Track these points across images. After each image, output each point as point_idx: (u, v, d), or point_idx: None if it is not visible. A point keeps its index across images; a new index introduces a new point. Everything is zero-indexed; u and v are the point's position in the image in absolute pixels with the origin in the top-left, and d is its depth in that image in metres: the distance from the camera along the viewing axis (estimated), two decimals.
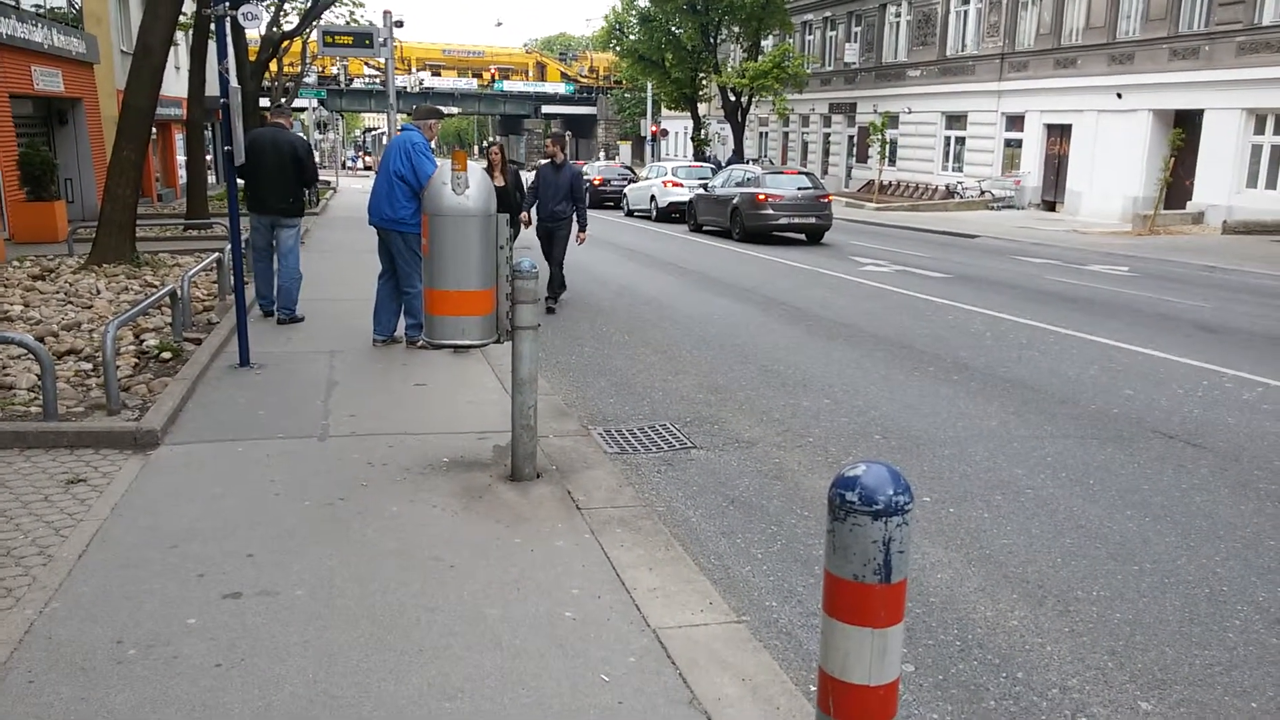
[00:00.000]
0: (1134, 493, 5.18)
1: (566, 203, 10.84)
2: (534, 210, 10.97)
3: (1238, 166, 22.80)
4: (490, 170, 10.28)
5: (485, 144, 59.36)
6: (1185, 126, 23.12)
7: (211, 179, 25.30)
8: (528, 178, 12.11)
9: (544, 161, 11.29)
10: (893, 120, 34.27)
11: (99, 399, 6.18)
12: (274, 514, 4.50)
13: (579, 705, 3.01)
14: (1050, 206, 28.57)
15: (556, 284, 11.05)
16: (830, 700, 1.97)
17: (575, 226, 11.03)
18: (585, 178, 35.26)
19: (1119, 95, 25.61)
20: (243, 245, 8.46)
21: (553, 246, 11.07)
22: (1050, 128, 28.65)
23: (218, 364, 7.39)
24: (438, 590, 3.76)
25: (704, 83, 42.04)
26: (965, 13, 32.33)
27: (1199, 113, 23.49)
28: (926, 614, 3.83)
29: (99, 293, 10.33)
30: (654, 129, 50.99)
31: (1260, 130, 22.47)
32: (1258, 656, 3.53)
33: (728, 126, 40.64)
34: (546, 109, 79.97)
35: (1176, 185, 23.63)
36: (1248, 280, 14.73)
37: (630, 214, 28.25)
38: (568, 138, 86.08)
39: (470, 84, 76.86)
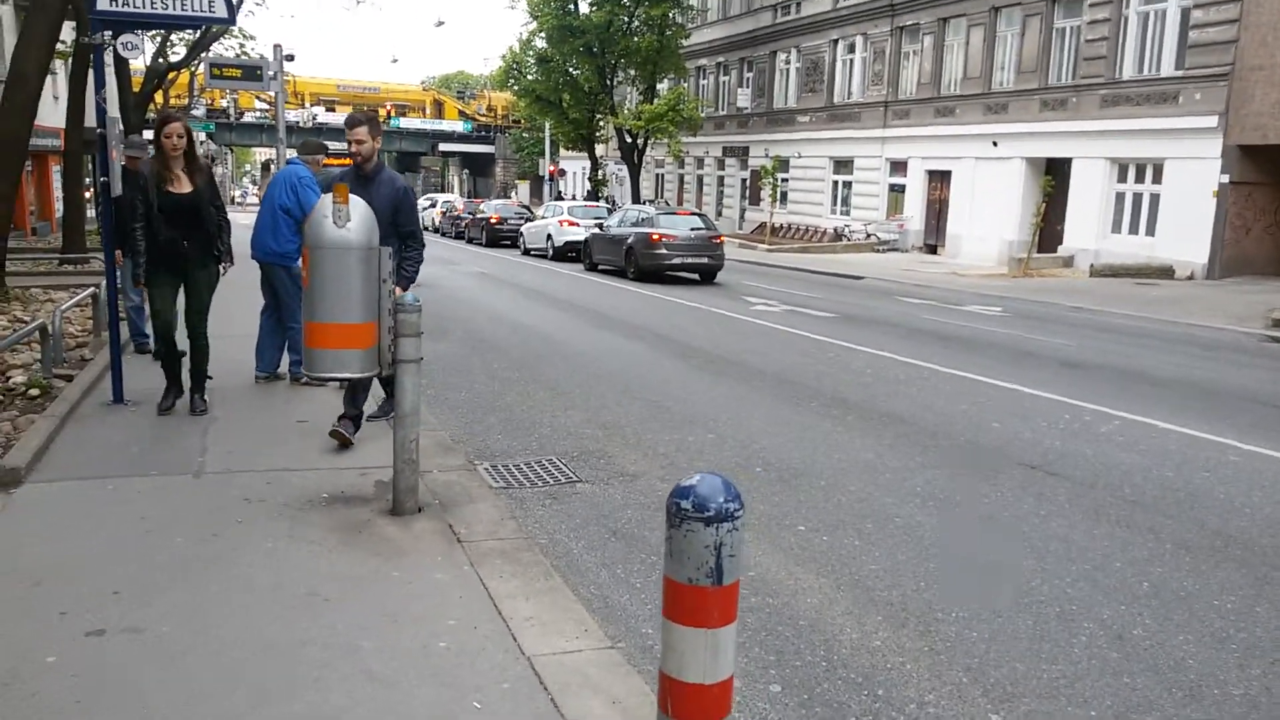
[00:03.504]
0: (996, 520, 5.45)
1: (390, 240, 5.77)
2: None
3: (1103, 212, 24.16)
4: (166, 168, 6.69)
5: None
6: (1055, 174, 24.44)
7: (90, 212, 24.43)
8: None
9: (335, 167, 7.15)
10: (784, 164, 35.24)
11: None
12: (143, 551, 4.39)
13: None
14: (932, 249, 29.73)
15: (377, 387, 6.61)
16: (669, 700, 2.06)
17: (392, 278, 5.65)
18: (481, 215, 35.22)
19: (995, 143, 26.91)
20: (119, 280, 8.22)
21: None
22: (931, 173, 29.88)
23: (90, 400, 7.16)
24: (311, 624, 3.73)
25: (601, 124, 42.58)
26: (851, 61, 33.60)
27: (1068, 161, 24.86)
28: (795, 636, 3.97)
29: None
30: (552, 169, 51.34)
31: (1123, 178, 23.89)
32: (1099, 669, 3.76)
33: (625, 167, 41.18)
34: (444, 147, 79.60)
35: (1048, 230, 24.91)
36: (1111, 321, 15.60)
37: (527, 253, 28.31)
38: (464, 176, 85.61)
39: None
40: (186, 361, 6.96)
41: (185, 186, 6.71)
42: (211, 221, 6.83)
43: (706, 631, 2.06)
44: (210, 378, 7.10)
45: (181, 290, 6.87)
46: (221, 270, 7.04)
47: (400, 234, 6.11)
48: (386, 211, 5.84)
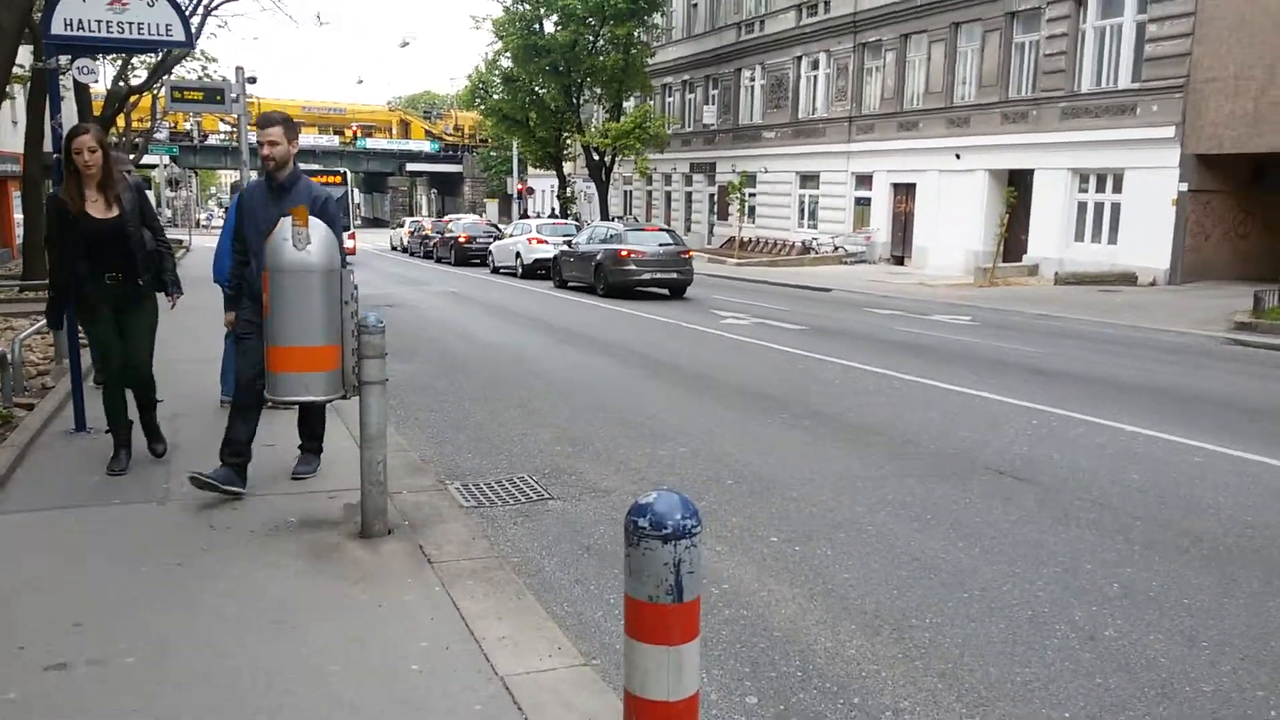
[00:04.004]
0: (966, 526, 5.47)
1: None
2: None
3: (1066, 222, 24.50)
4: (76, 188, 5.64)
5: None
6: (1018, 185, 24.74)
7: None
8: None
9: (248, 180, 6.23)
10: (751, 179, 35.45)
11: None
12: (107, 582, 4.30)
13: None
14: (899, 261, 29.97)
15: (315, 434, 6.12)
16: (634, 719, 2.04)
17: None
18: (450, 234, 35.05)
19: (958, 156, 27.22)
20: None
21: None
22: (897, 186, 30.17)
23: (51, 430, 7.03)
24: (278, 651, 3.67)
25: (568, 142, 42.67)
26: (815, 78, 33.92)
27: (1030, 172, 25.18)
28: (770, 647, 3.95)
29: None
30: (520, 187, 51.35)
31: (1084, 188, 24.24)
32: (1072, 670, 3.77)
33: (593, 184, 41.28)
34: (411, 166, 79.52)
35: (1013, 240, 25.19)
36: (1077, 327, 15.78)
37: (496, 271, 28.26)
38: (432, 195, 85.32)
39: (332, 141, 75.79)
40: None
41: (109, 210, 5.70)
42: (141, 249, 5.84)
43: (668, 649, 2.04)
44: (160, 400, 6.47)
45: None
46: (170, 304, 6.23)
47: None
48: None
